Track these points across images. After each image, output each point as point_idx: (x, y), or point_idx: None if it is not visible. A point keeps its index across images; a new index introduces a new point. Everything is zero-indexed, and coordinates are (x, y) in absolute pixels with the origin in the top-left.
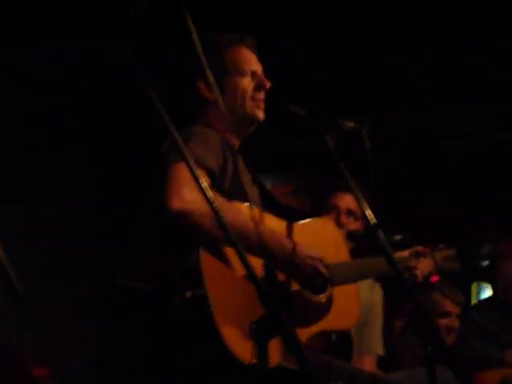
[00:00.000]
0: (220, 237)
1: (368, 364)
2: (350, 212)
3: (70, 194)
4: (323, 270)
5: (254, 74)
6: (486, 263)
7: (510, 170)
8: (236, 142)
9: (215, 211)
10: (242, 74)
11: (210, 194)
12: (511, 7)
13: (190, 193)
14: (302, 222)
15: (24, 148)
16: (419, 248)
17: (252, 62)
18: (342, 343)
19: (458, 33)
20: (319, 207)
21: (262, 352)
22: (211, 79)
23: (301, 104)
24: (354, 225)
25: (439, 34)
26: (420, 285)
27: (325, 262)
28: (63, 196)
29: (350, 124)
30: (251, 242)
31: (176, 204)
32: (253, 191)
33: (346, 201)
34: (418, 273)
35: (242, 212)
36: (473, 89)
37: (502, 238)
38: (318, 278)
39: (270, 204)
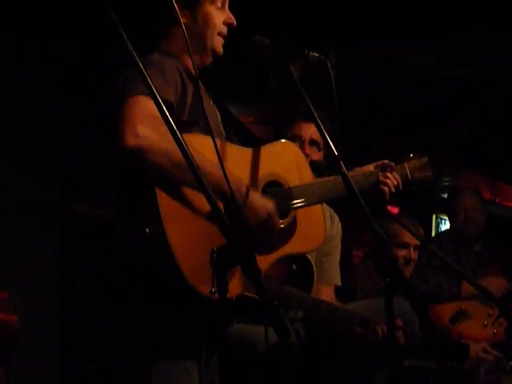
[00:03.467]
0: (176, 175)
1: (326, 294)
2: (313, 141)
3: (32, 116)
4: (273, 224)
5: (223, 7)
6: (445, 196)
7: (470, 104)
8: (197, 70)
9: (182, 146)
10: (215, 3)
11: (165, 128)
12: None
13: (145, 129)
14: (264, 146)
15: None
16: (385, 161)
17: None
18: (302, 272)
19: None
20: (281, 136)
21: (221, 281)
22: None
23: (265, 33)
24: (316, 155)
25: None
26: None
27: (276, 217)
28: (25, 119)
29: (315, 54)
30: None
31: (130, 141)
32: (214, 116)
33: (310, 131)
34: (386, 189)
35: (198, 151)
36: (436, 25)
37: (462, 171)
38: (266, 231)
39: (232, 126)
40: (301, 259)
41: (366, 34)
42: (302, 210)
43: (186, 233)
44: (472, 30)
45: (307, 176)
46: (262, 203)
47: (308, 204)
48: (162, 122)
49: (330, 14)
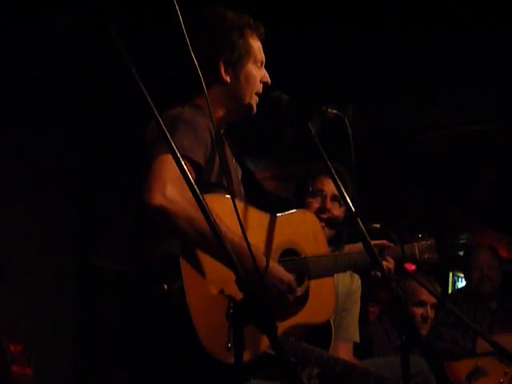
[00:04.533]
0: (196, 241)
1: (344, 351)
2: (335, 197)
3: (52, 167)
4: (289, 296)
5: (262, 65)
6: (461, 253)
7: (488, 161)
8: (223, 127)
9: (206, 213)
10: (257, 63)
11: (201, 197)
12: None
13: (174, 191)
14: (283, 214)
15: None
16: (385, 242)
17: (262, 53)
18: (321, 330)
19: (443, 22)
20: (303, 191)
21: (238, 336)
22: (237, 61)
23: (284, 90)
24: (338, 211)
25: (421, 22)
26: (388, 282)
27: (294, 285)
28: (45, 169)
29: (333, 111)
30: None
31: (157, 200)
32: (236, 176)
33: (332, 186)
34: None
35: (222, 219)
36: (454, 80)
37: (478, 228)
38: (283, 300)
39: (252, 187)
40: None
41: (386, 91)
42: (315, 280)
43: (205, 293)
44: (485, 84)
45: (323, 247)
46: (283, 274)
47: (322, 275)
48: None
49: (348, 70)
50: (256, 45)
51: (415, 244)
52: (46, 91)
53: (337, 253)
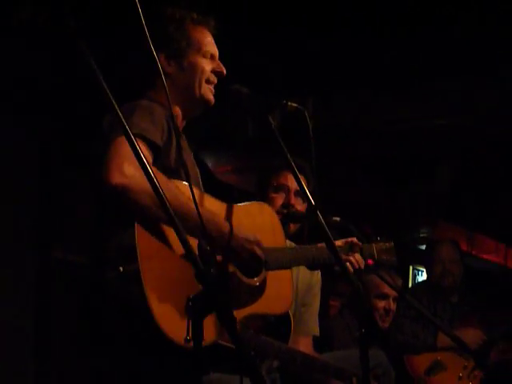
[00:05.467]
0: (158, 215)
1: (304, 345)
2: (298, 192)
3: (10, 159)
4: (259, 252)
5: (212, 57)
6: (421, 247)
7: (446, 155)
8: (182, 122)
9: (156, 188)
10: (204, 54)
11: (150, 169)
12: None
13: (131, 168)
14: (240, 204)
15: None
16: (354, 240)
17: (212, 45)
18: (280, 323)
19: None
20: (266, 186)
21: (196, 329)
22: (176, 52)
23: (243, 83)
24: (301, 206)
25: (387, 20)
26: (348, 276)
27: (261, 245)
28: (3, 162)
29: (293, 104)
30: (189, 223)
31: (116, 179)
32: (194, 170)
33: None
34: (348, 265)
35: (182, 191)
36: (414, 76)
37: (438, 222)
38: (254, 260)
39: (210, 183)
40: None
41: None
42: (272, 272)
43: (163, 274)
44: (447, 82)
45: (280, 240)
46: (246, 233)
47: (279, 267)
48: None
49: (308, 63)
50: (200, 37)
51: (373, 245)
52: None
53: (296, 246)
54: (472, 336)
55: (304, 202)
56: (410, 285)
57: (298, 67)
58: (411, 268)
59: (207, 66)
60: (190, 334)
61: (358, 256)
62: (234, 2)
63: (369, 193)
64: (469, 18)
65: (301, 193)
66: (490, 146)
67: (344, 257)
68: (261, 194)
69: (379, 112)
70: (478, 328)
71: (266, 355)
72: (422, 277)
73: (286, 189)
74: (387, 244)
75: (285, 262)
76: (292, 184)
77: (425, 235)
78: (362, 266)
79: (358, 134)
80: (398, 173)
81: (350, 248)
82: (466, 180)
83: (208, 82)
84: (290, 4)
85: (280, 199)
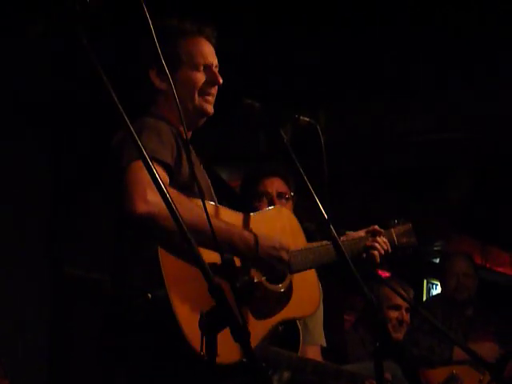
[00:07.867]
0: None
1: (313, 354)
2: (280, 194)
3: (24, 176)
4: (287, 258)
5: (207, 68)
6: (436, 260)
7: (459, 168)
8: (187, 134)
9: (175, 212)
10: (195, 67)
11: (170, 192)
12: None
13: (155, 195)
14: (257, 212)
15: None
16: (376, 227)
17: (207, 55)
18: (288, 333)
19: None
20: (249, 194)
21: (210, 344)
22: (164, 68)
23: (255, 97)
24: (286, 205)
25: (397, 32)
26: (378, 265)
27: (287, 249)
28: (18, 179)
29: (305, 119)
30: (217, 240)
31: (141, 208)
32: (205, 182)
33: (275, 185)
34: (376, 253)
35: (202, 209)
36: (428, 89)
37: (452, 235)
38: (282, 266)
39: (224, 193)
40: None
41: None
42: (297, 275)
43: (189, 295)
44: (460, 95)
45: (301, 241)
46: (270, 240)
47: (304, 269)
48: (166, 185)
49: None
50: (191, 49)
51: (392, 229)
52: (19, 102)
53: (316, 244)
54: (487, 349)
55: (287, 201)
56: (424, 298)
57: (310, 81)
58: (425, 281)
59: (199, 78)
60: (204, 349)
61: (382, 239)
62: (246, 16)
63: (382, 206)
64: (488, 30)
65: (283, 194)
66: (503, 158)
67: (369, 243)
68: (248, 207)
69: (392, 125)
70: (493, 341)
71: (277, 366)
72: (437, 290)
73: (267, 195)
74: (405, 226)
75: (308, 262)
76: (272, 189)
77: (439, 248)
78: (390, 249)
79: (370, 147)
80: (411, 186)
81: (373, 235)
82: (480, 193)
83: (203, 93)
84: (304, 16)
85: (264, 206)
